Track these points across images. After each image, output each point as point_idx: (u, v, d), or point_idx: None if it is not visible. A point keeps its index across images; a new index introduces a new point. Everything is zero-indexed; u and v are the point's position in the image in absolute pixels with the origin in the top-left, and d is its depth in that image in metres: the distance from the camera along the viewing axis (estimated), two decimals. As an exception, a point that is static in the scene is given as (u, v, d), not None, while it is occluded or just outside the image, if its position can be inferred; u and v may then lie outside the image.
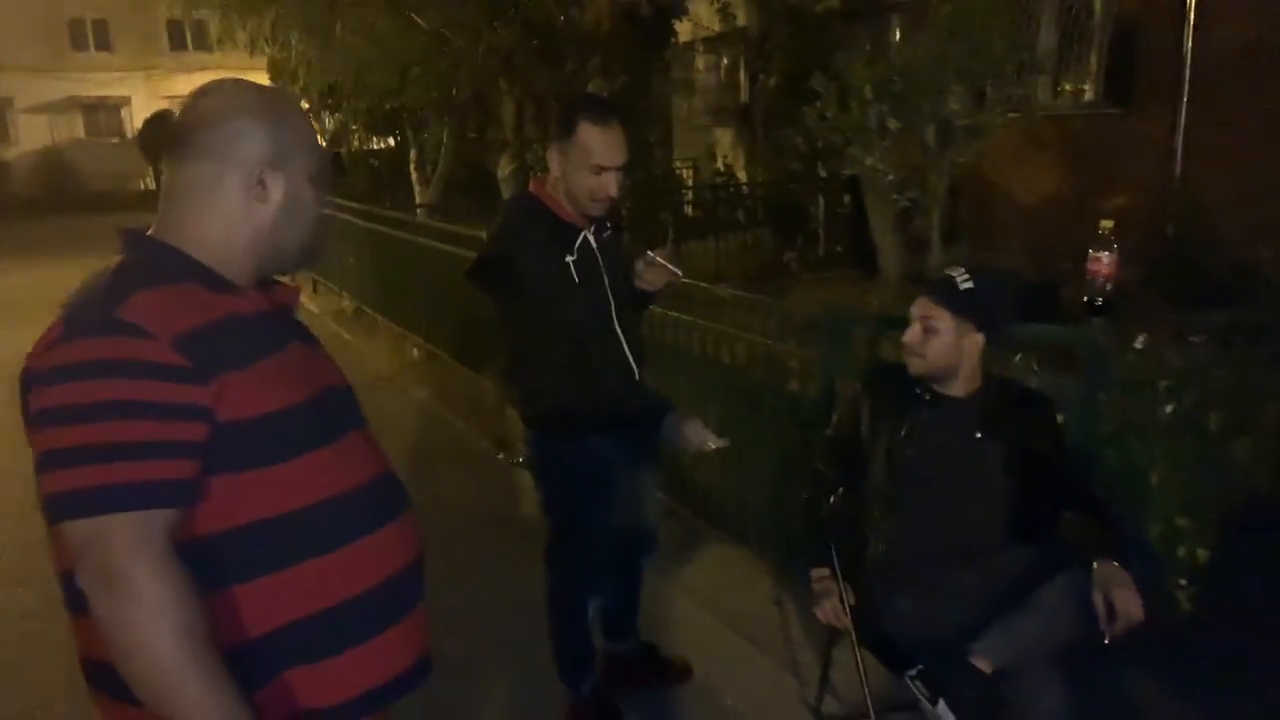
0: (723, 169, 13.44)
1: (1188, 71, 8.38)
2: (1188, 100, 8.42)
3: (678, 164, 14.88)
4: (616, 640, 3.06)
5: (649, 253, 2.64)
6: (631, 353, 2.65)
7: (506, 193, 12.33)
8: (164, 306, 1.23)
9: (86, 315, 1.22)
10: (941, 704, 2.15)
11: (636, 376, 2.66)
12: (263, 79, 13.98)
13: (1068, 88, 9.74)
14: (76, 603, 1.23)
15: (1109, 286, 2.58)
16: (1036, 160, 9.51)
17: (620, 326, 2.63)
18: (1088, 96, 9.52)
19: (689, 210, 12.02)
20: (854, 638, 2.48)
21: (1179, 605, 2.80)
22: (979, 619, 2.21)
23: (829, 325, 3.24)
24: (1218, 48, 8.14)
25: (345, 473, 1.37)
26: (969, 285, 2.36)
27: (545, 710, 2.90)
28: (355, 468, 1.39)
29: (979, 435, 2.40)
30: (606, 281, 2.60)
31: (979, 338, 2.40)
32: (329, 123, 16.10)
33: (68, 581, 1.24)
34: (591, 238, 2.59)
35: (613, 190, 2.50)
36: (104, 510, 1.15)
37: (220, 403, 1.22)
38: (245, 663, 1.25)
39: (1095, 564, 2.12)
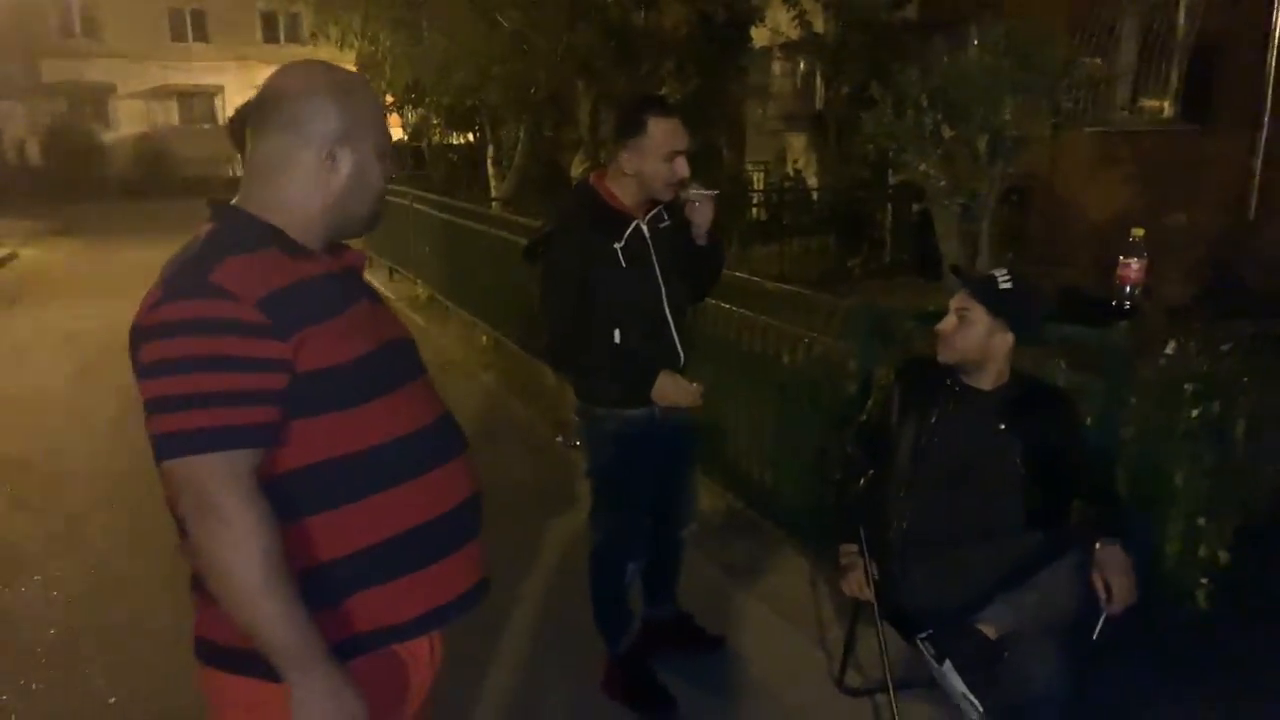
0: (793, 174, 13.54)
1: (1270, 91, 8.27)
2: (1270, 120, 8.30)
3: (748, 167, 15.01)
4: (655, 606, 3.25)
5: (688, 190, 2.77)
6: (679, 338, 2.86)
7: (578, 190, 12.58)
8: (249, 271, 1.38)
9: (183, 279, 1.38)
10: (947, 664, 2.31)
11: (682, 361, 2.87)
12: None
13: (1146, 103, 9.65)
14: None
15: (1137, 291, 2.70)
16: (1110, 174, 9.44)
17: (670, 312, 2.84)
18: (1166, 113, 9.43)
19: (756, 214, 12.15)
20: (876, 610, 2.65)
21: (1198, 603, 2.90)
22: (987, 592, 2.36)
23: (866, 319, 3.39)
24: (1301, 68, 8.02)
25: (409, 416, 1.52)
26: (1008, 285, 2.51)
27: (584, 666, 3.11)
28: (418, 411, 1.54)
29: (1002, 427, 2.55)
30: (658, 269, 2.81)
31: (1009, 337, 2.54)
32: (410, 116, 16.57)
33: (176, 515, 1.42)
34: (645, 227, 2.79)
35: (684, 171, 2.73)
36: (201, 450, 1.31)
37: (299, 355, 1.37)
38: (324, 583, 1.42)
39: (1098, 546, 2.26)
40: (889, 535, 2.62)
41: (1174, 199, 8.57)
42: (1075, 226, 9.74)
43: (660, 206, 2.84)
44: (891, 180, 10.64)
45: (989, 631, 2.30)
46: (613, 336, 2.75)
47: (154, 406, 1.35)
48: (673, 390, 2.74)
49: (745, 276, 3.82)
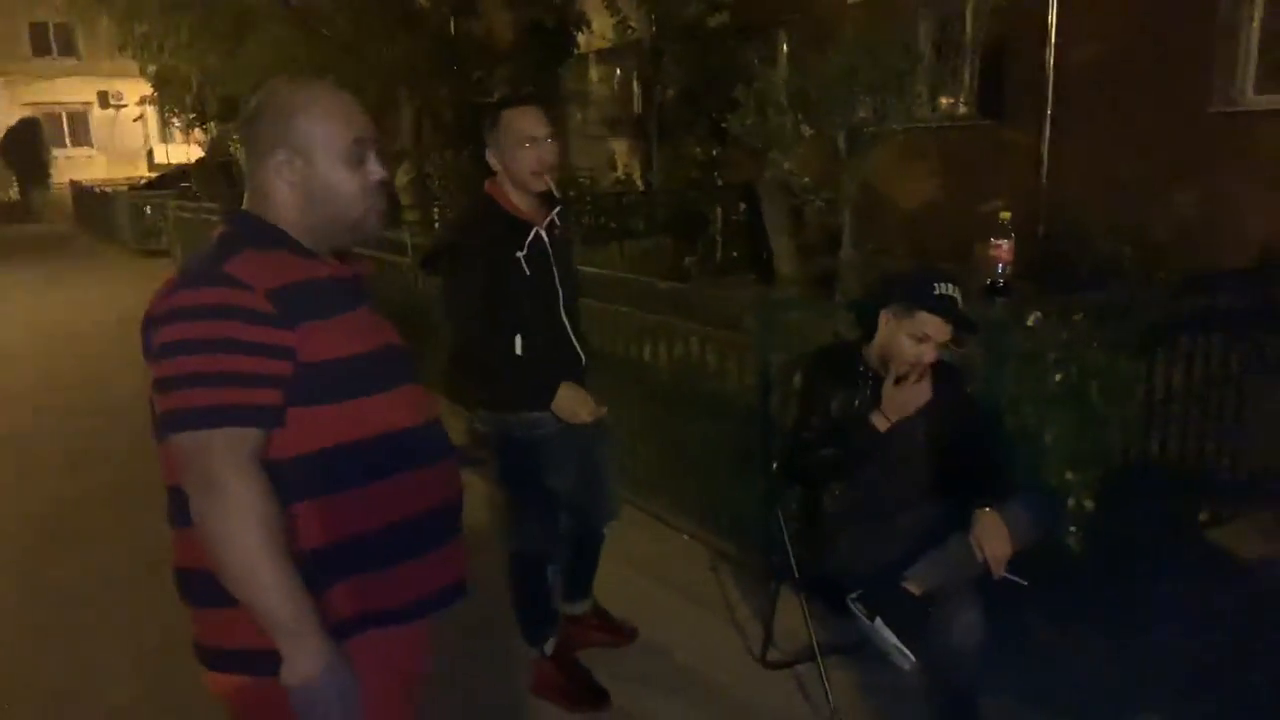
0: (623, 178, 13.74)
1: (1050, 87, 9.15)
2: (1051, 113, 9.19)
3: (577, 172, 15.13)
4: (573, 602, 3.29)
5: None
6: (577, 340, 2.92)
7: (405, 200, 12.34)
8: (260, 264, 1.47)
9: (198, 269, 1.48)
10: (879, 620, 2.50)
11: (583, 362, 2.93)
12: (140, 87, 13.54)
13: (944, 101, 10.45)
14: (176, 517, 1.47)
15: (1008, 270, 2.98)
16: (918, 168, 10.16)
17: (567, 316, 2.90)
18: (962, 109, 10.25)
19: (594, 218, 12.25)
20: (799, 583, 2.80)
21: (1071, 548, 3.22)
22: (910, 554, 2.55)
23: (761, 313, 3.55)
24: (1076, 65, 8.92)
25: (403, 414, 1.59)
26: (957, 295, 2.63)
27: (512, 669, 3.11)
28: (411, 411, 1.61)
29: None
30: (556, 276, 2.85)
31: None
32: (212, 132, 15.83)
33: (173, 494, 1.47)
34: (544, 234, 2.82)
35: (549, 158, 2.75)
36: (207, 425, 1.38)
37: (303, 346, 1.45)
38: (316, 567, 1.45)
39: (974, 512, 2.48)
40: (817, 514, 2.77)
41: (979, 189, 9.32)
42: (890, 216, 10.42)
43: (555, 213, 2.88)
44: (719, 180, 11.02)
45: (914, 588, 2.48)
46: (514, 345, 2.77)
47: (162, 385, 1.42)
48: (572, 404, 2.78)
49: (631, 276, 3.90)
